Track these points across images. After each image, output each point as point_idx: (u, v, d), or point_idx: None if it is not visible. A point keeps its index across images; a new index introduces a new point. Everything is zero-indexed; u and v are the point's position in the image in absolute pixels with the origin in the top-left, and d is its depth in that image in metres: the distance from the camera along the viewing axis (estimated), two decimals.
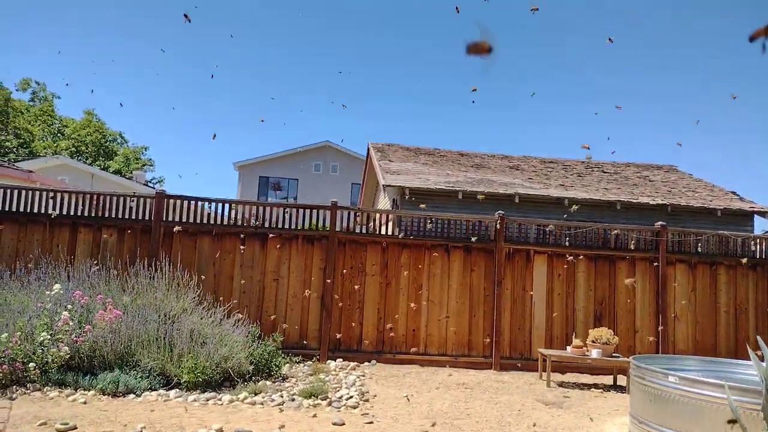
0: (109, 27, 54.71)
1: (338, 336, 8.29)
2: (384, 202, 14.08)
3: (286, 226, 8.45)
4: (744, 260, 8.79)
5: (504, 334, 8.51)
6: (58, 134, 41.18)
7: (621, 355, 8.12)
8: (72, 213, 8.11)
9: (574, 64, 51.15)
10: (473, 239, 8.58)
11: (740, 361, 5.72)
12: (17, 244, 7.99)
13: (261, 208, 8.48)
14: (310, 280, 8.39)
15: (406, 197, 11.22)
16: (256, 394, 5.78)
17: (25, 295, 6.31)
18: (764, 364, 3.71)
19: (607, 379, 8.15)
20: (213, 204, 8.36)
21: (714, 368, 5.54)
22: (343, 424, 5.05)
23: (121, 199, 8.23)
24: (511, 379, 7.79)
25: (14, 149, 34.61)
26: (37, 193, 8.15)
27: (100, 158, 40.91)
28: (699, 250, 8.97)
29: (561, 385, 7.62)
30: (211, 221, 8.38)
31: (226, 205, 8.43)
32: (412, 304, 8.46)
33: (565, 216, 10.80)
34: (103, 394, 5.45)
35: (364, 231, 8.63)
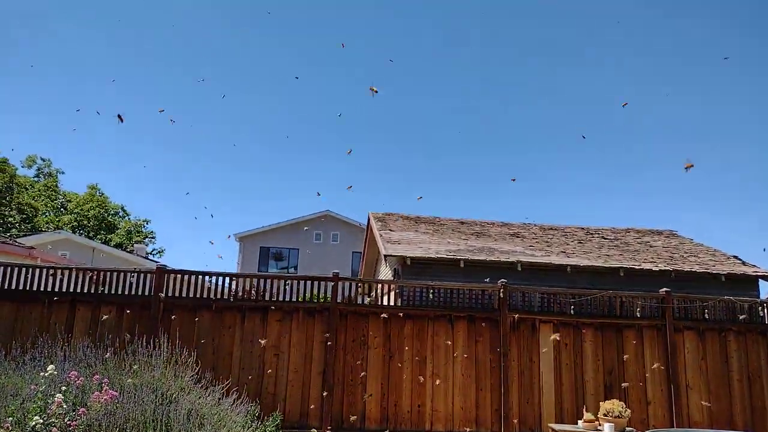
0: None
1: (341, 413, 8.01)
2: (385, 272, 14.02)
3: (287, 299, 8.37)
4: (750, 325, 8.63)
5: (513, 409, 8.22)
6: (61, 209, 41.61)
7: (634, 429, 7.81)
8: (71, 290, 8.06)
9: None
10: (477, 309, 8.46)
11: None
12: (14, 322, 7.88)
13: (262, 281, 8.43)
14: (311, 354, 8.21)
15: (408, 266, 11.18)
16: None
17: (19, 377, 6.15)
18: None
19: None
20: (213, 277, 8.32)
21: None
22: None
23: (121, 274, 8.19)
24: None
25: (17, 224, 34.85)
26: (37, 270, 8.13)
27: (102, 232, 41.12)
28: (706, 316, 8.83)
29: None
30: (211, 295, 8.31)
31: (227, 279, 8.39)
32: (419, 377, 8.23)
33: (566, 284, 10.72)
34: None
35: (365, 302, 8.54)
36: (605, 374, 8.50)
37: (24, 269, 8.11)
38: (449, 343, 8.41)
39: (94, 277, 8.09)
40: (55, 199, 41.59)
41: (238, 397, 6.91)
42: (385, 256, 11.43)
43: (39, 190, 40.08)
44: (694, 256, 13.22)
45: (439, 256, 11.27)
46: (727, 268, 12.05)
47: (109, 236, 40.78)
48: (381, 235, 12.90)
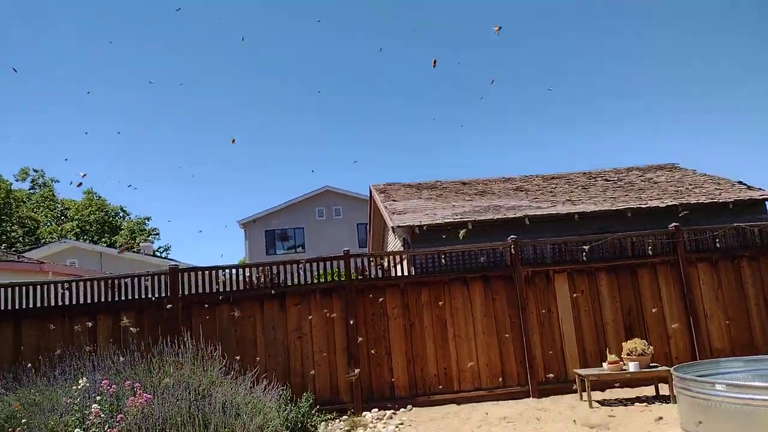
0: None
1: (369, 385, 8.16)
2: (394, 242, 14.05)
3: (302, 281, 8.42)
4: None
5: (537, 359, 8.35)
6: (62, 217, 41.60)
7: (658, 363, 7.95)
8: (89, 300, 8.13)
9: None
10: (490, 268, 8.51)
11: None
12: (38, 340, 7.97)
13: (274, 267, 8.47)
14: (333, 332, 8.31)
15: (417, 235, 11.19)
16: None
17: (52, 392, 6.24)
18: None
19: (648, 390, 7.96)
20: (227, 270, 8.36)
21: (761, 367, 5.39)
22: None
23: (136, 279, 8.24)
24: (551, 405, 7.60)
25: (20, 238, 34.90)
26: (53, 285, 8.18)
27: (105, 235, 41.21)
28: (717, 245, 8.87)
29: (603, 403, 7.44)
30: (227, 288, 8.37)
31: (240, 270, 8.43)
32: (441, 341, 8.34)
33: (576, 231, 10.74)
34: None
35: (380, 275, 8.59)
36: (624, 315, 8.59)
37: (40, 287, 8.16)
38: (467, 304, 8.49)
39: (110, 285, 8.15)
40: (54, 209, 41.55)
41: (268, 383, 7.01)
42: (393, 228, 11.43)
43: (37, 202, 40.01)
44: (699, 186, 13.20)
45: (446, 221, 11.26)
46: (734, 195, 12.04)
47: (113, 238, 40.88)
48: (386, 207, 12.87)
